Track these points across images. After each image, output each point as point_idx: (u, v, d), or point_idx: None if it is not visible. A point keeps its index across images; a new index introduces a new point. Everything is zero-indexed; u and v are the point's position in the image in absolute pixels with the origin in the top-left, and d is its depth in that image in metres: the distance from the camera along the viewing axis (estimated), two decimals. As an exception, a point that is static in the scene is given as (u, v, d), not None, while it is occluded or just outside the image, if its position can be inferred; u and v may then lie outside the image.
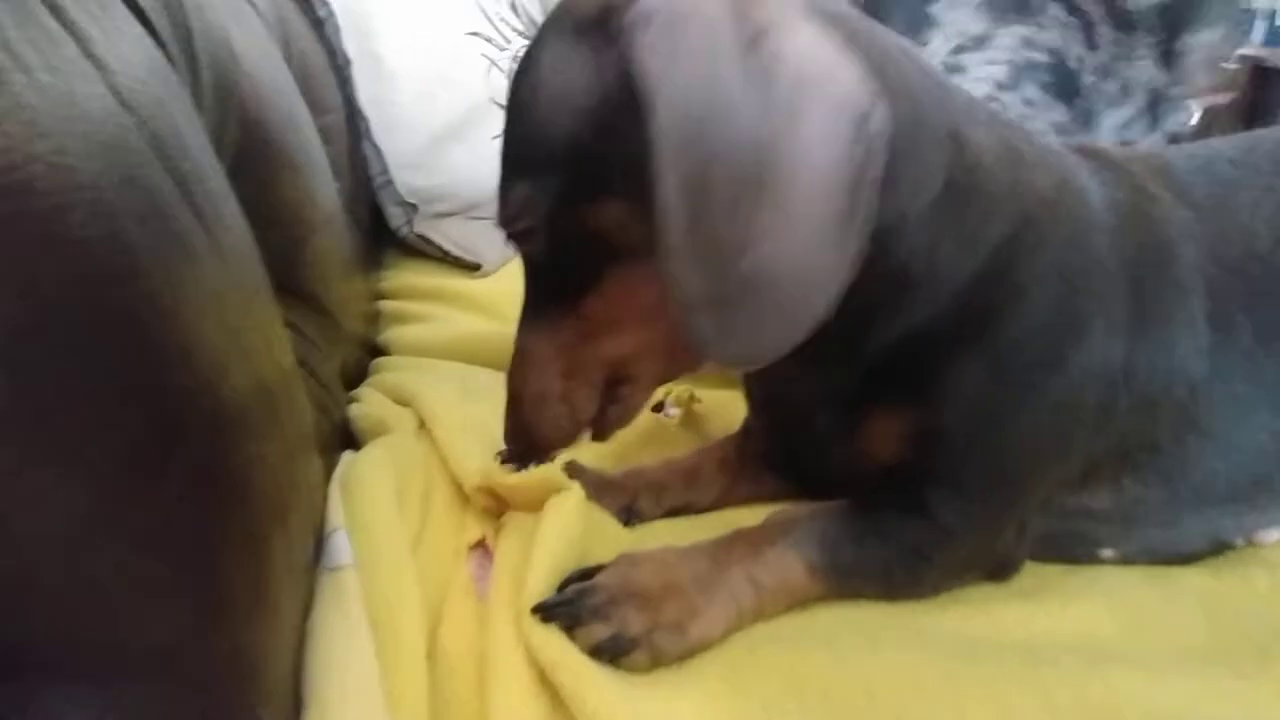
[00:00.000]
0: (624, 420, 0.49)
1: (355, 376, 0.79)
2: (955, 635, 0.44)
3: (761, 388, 0.60)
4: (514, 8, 1.18)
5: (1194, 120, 2.53)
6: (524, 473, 0.51)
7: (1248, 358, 0.51)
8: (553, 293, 0.45)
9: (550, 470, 0.51)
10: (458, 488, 0.57)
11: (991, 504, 0.48)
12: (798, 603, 0.47)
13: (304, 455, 0.46)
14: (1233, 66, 1.59)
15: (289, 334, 0.53)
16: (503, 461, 0.52)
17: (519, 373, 0.47)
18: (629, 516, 0.57)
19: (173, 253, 0.30)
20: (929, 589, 0.49)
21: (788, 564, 0.46)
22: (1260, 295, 0.51)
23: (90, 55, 0.29)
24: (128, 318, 0.27)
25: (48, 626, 0.23)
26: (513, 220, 0.44)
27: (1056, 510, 0.52)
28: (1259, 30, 3.11)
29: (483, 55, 1.10)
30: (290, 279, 0.64)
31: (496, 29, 1.14)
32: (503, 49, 1.14)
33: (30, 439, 0.22)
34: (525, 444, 0.48)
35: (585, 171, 0.40)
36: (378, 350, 0.88)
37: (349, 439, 0.66)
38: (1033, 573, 0.51)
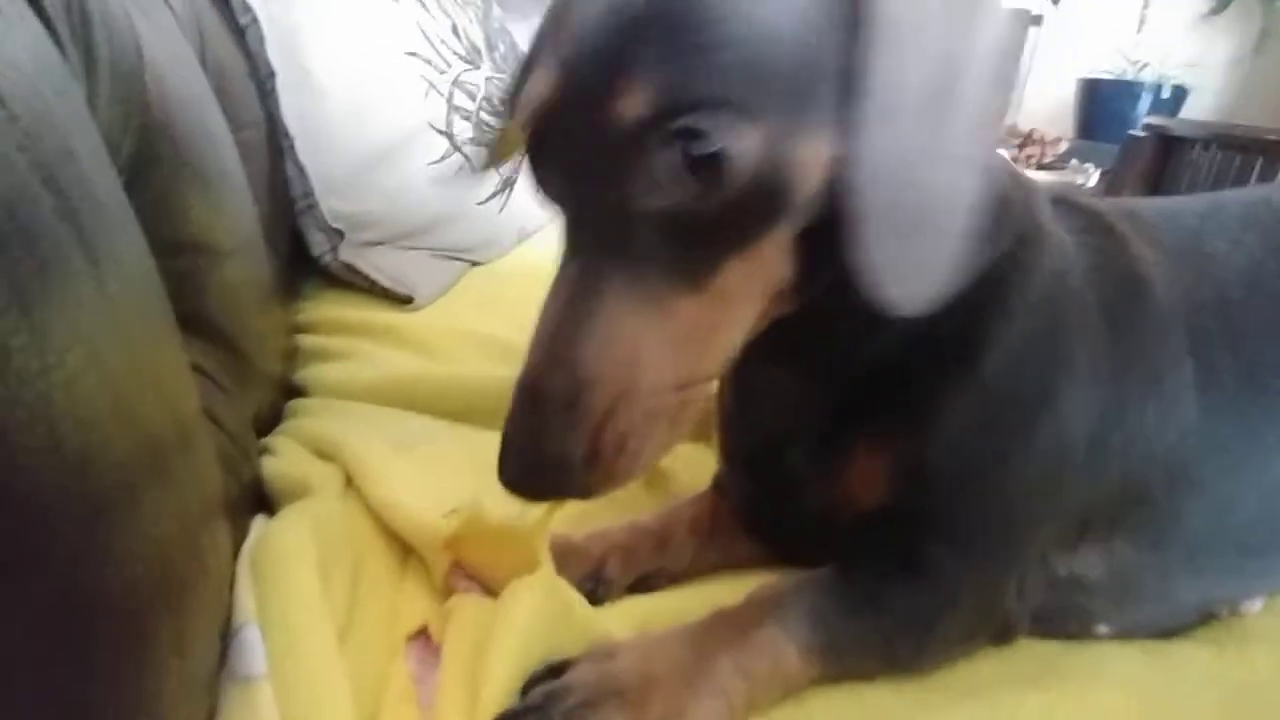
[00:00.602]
0: (647, 460, 0.37)
1: (268, 421, 0.69)
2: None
3: (736, 427, 0.55)
4: (455, 31, 1.12)
5: (1091, 182, 2.71)
6: (525, 513, 0.44)
7: (1233, 402, 0.50)
8: (669, 257, 0.35)
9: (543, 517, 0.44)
10: (392, 561, 0.49)
11: (990, 556, 0.45)
12: (793, 691, 0.42)
13: (207, 529, 0.37)
14: (1140, 134, 1.69)
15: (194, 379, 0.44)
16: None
17: (587, 354, 0.34)
18: (595, 585, 0.50)
19: (43, 287, 0.22)
20: (931, 659, 0.45)
21: (778, 648, 0.41)
22: (1239, 339, 0.50)
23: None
24: None
25: None
26: (703, 145, 0.33)
27: (1051, 581, 0.49)
28: (1145, 101, 3.38)
29: (421, 77, 1.04)
30: (194, 313, 0.55)
31: (437, 51, 1.07)
32: (442, 72, 1.07)
33: None
34: (556, 463, 0.34)
35: (805, 98, 0.34)
36: (293, 391, 0.79)
37: (260, 499, 0.57)
38: (1033, 653, 0.48)
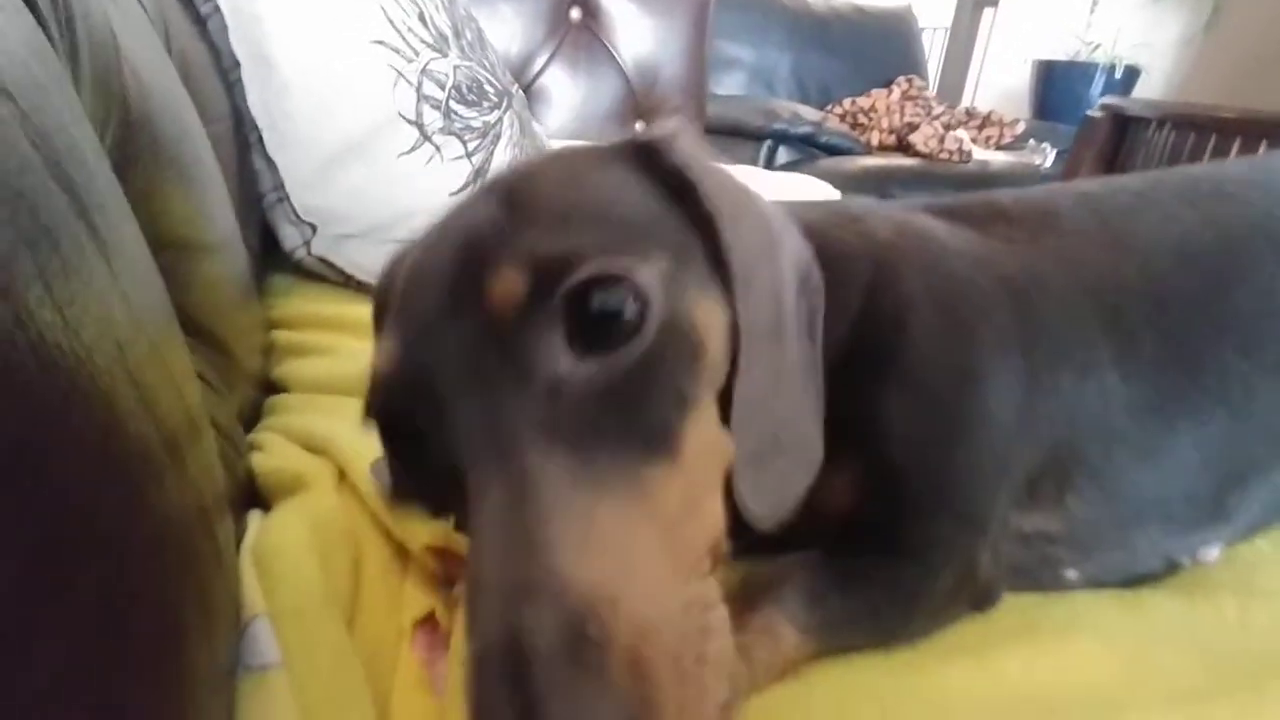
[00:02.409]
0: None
1: (249, 419, 0.69)
2: (965, 695, 0.41)
3: None
4: (423, 19, 1.11)
5: (1048, 163, 2.76)
6: None
7: (1157, 372, 0.52)
8: (612, 430, 0.31)
9: None
10: (393, 551, 0.49)
11: (958, 525, 0.48)
12: (792, 670, 0.43)
13: (222, 524, 0.37)
14: (1096, 115, 1.73)
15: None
16: None
17: (568, 567, 0.25)
18: None
19: (70, 285, 0.23)
20: (920, 629, 0.47)
21: (776, 629, 0.43)
22: (1160, 311, 0.53)
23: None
24: (15, 371, 0.19)
25: None
26: (616, 308, 0.32)
27: (1018, 537, 0.52)
28: (1099, 82, 3.45)
29: (389, 66, 1.02)
30: (179, 309, 0.54)
31: (404, 39, 1.06)
32: (410, 60, 1.06)
33: None
34: None
35: (684, 265, 0.37)
36: (272, 388, 0.78)
37: (252, 496, 0.57)
38: (1014, 609, 0.50)
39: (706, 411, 0.36)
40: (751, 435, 0.38)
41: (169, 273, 0.51)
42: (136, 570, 0.24)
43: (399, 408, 0.34)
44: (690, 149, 0.41)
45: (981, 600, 0.50)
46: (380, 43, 1.02)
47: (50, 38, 0.33)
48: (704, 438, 0.34)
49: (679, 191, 0.40)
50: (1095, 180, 0.67)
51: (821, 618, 0.44)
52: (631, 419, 0.31)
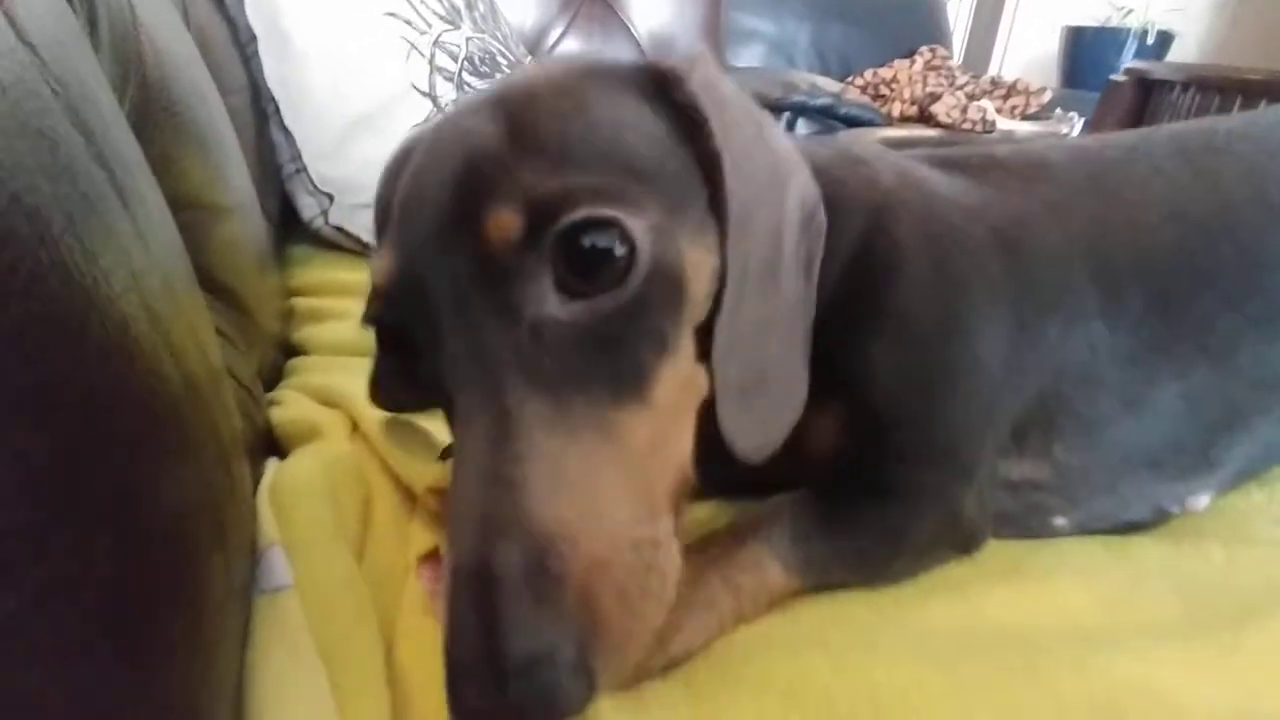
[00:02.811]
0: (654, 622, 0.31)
1: (270, 379, 0.72)
2: (947, 628, 0.43)
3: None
4: (434, -10, 1.12)
5: (1075, 131, 2.71)
6: None
7: (1143, 323, 0.53)
8: (597, 373, 0.33)
9: None
10: (402, 495, 0.52)
11: (943, 469, 0.49)
12: (777, 602, 0.45)
13: (238, 463, 0.40)
14: (1120, 79, 1.70)
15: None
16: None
17: (538, 503, 0.28)
18: None
19: (88, 219, 0.25)
20: (904, 569, 0.48)
21: (763, 564, 0.45)
22: (1147, 264, 0.53)
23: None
24: (55, 315, 0.21)
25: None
26: (604, 252, 0.33)
27: (1006, 485, 0.53)
28: (1130, 48, 3.36)
29: (402, 38, 1.04)
30: (199, 268, 0.57)
31: (416, 11, 1.07)
32: (423, 33, 1.08)
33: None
34: (542, 665, 0.26)
35: (679, 207, 0.37)
36: (292, 350, 0.81)
37: (271, 446, 0.60)
38: (1000, 553, 0.51)
39: (684, 352, 0.37)
40: (737, 372, 0.39)
41: (186, 231, 0.54)
42: (153, 490, 0.27)
43: (394, 320, 0.37)
44: (706, 79, 0.40)
45: (966, 544, 0.51)
46: (393, 15, 1.04)
47: (70, 2, 0.35)
48: (678, 378, 0.36)
49: (689, 125, 0.39)
50: (1092, 136, 0.66)
51: (806, 555, 0.45)
52: (609, 362, 0.33)
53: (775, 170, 0.44)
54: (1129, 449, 0.54)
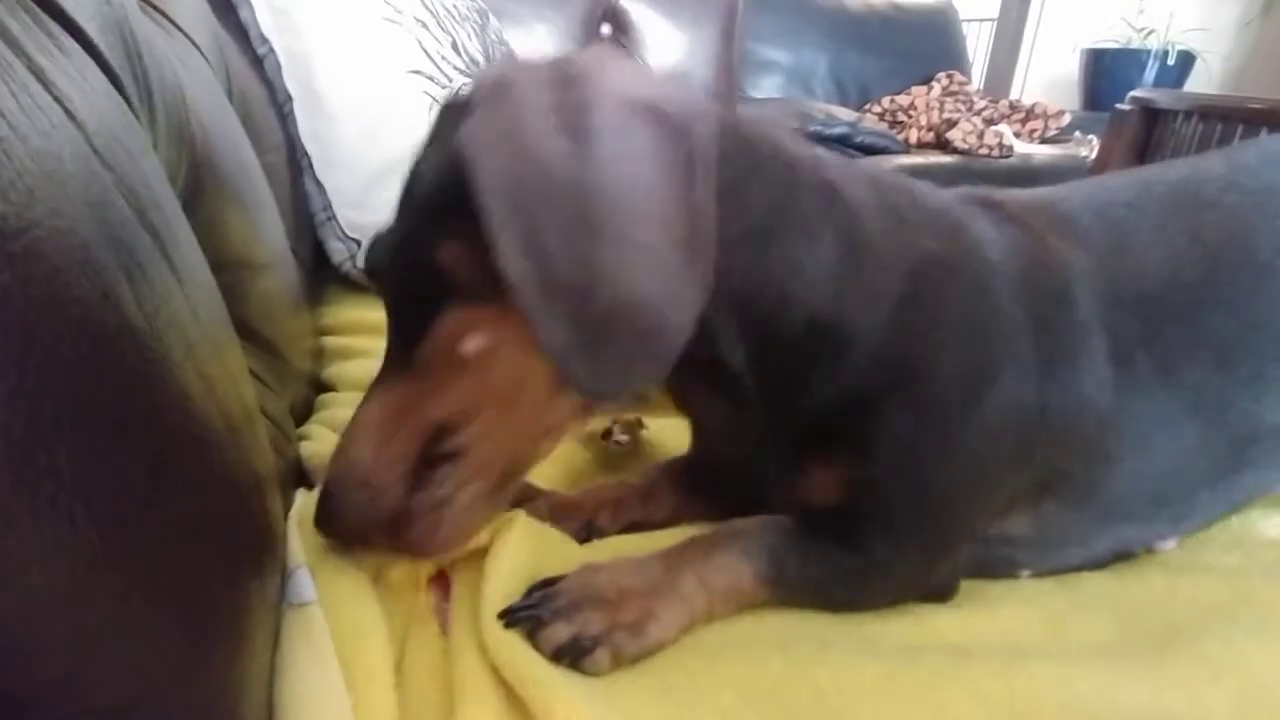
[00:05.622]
0: (438, 520, 0.45)
1: (302, 414, 0.79)
2: (899, 642, 0.47)
3: (702, 436, 0.63)
4: (455, 47, 1.21)
5: (1094, 155, 2.71)
6: None
7: (1146, 392, 0.55)
8: (395, 351, 0.48)
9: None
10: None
11: (922, 541, 0.52)
12: (746, 606, 0.49)
13: (272, 494, 0.46)
14: (1126, 108, 1.73)
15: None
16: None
17: (340, 444, 0.47)
18: (588, 533, 0.59)
19: (156, 304, 0.31)
20: (866, 608, 0.52)
21: (737, 570, 0.49)
22: (1154, 333, 0.55)
23: (73, 118, 0.30)
24: (120, 367, 0.28)
25: (47, 678, 0.24)
26: (373, 262, 0.51)
27: (981, 539, 0.55)
28: (1151, 69, 3.35)
29: (424, 93, 1.12)
30: (239, 320, 0.64)
31: (438, 68, 1.16)
32: (444, 87, 1.16)
33: (35, 491, 0.23)
34: (329, 528, 0.47)
35: (435, 216, 0.45)
36: (323, 386, 0.88)
37: (300, 478, 0.66)
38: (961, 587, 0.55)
39: (458, 317, 0.44)
40: (563, 328, 0.38)
41: (230, 288, 0.61)
42: (206, 521, 0.33)
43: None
44: (491, 103, 0.40)
45: (932, 599, 0.53)
46: (417, 72, 1.13)
47: (133, 108, 0.42)
48: (445, 341, 0.45)
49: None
50: (1092, 188, 0.65)
51: (777, 574, 0.49)
52: (401, 342, 0.48)
53: (577, 133, 0.39)
54: (1114, 504, 0.56)
